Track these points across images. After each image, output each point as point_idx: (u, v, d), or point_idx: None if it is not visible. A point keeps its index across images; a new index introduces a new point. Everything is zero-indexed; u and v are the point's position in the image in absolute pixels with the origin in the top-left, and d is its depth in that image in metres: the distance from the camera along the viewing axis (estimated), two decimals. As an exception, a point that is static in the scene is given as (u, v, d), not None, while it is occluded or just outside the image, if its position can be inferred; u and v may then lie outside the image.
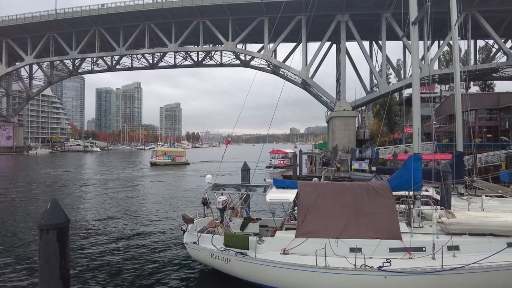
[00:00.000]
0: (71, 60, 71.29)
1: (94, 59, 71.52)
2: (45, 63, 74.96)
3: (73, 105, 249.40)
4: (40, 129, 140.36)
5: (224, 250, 9.25)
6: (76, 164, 61.52)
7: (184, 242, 10.37)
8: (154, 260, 11.34)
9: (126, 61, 72.22)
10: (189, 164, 58.07)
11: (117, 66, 73.14)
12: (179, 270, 10.60)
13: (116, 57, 69.10)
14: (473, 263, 7.76)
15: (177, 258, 11.60)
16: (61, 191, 27.49)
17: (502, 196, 15.14)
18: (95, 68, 75.93)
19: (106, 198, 23.75)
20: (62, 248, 4.43)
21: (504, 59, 50.37)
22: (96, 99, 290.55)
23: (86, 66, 75.98)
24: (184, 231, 10.72)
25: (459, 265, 7.76)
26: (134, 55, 68.60)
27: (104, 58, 70.29)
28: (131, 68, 74.27)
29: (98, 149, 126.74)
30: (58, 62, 73.90)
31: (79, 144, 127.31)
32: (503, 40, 49.46)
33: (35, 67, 78.41)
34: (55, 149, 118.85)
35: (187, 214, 11.03)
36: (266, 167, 47.23)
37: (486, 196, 14.52)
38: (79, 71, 78.35)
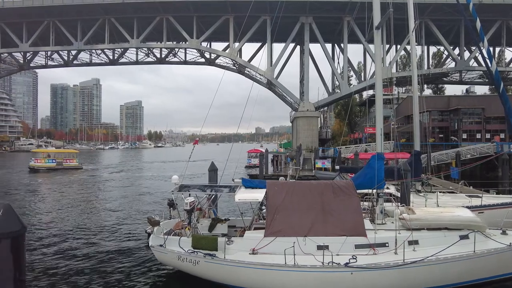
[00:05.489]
0: (22, 53, 66.29)
1: (49, 53, 67.03)
2: (-10, 56, 68.90)
3: (24, 102, 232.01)
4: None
5: (192, 252, 9.08)
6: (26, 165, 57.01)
7: (149, 245, 10.07)
8: (118, 265, 10.88)
9: (84, 56, 68.49)
10: (81, 169, 47.77)
11: (75, 62, 69.05)
12: (145, 274, 10.27)
13: (74, 52, 65.33)
14: (431, 256, 8.27)
15: (143, 261, 11.21)
16: (8, 196, 25.22)
17: (453, 192, 16.29)
18: (50, 62, 71.06)
19: (60, 202, 22.36)
20: (17, 258, 3.99)
21: (453, 64, 54.14)
22: (51, 96, 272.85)
23: (39, 60, 70.90)
24: (150, 234, 10.42)
25: (419, 258, 8.23)
26: (93, 50, 65.25)
27: (60, 52, 66.16)
28: (90, 64, 70.49)
29: (54, 149, 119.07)
30: (6, 54, 68.37)
31: (32, 144, 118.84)
32: (451, 47, 53.08)
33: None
34: (3, 148, 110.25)
35: (153, 216, 10.76)
36: (245, 167, 47.13)
37: (440, 192, 15.55)
38: (31, 65, 72.88)
